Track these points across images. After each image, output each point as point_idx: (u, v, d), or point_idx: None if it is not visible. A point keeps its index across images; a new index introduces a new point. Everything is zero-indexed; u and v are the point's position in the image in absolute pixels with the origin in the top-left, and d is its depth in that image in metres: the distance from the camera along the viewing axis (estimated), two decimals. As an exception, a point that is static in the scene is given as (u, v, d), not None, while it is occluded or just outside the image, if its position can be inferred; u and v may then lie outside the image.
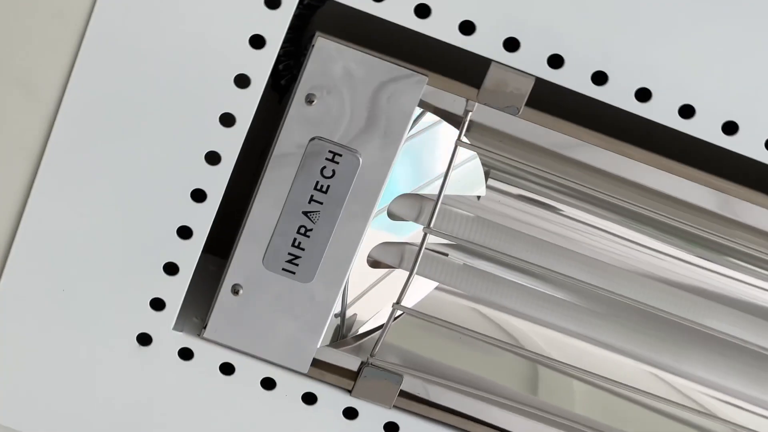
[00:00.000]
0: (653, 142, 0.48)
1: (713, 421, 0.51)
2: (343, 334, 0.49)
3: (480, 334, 0.47)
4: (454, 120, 0.46)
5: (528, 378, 0.51)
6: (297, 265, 0.47)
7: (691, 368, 0.51)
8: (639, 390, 0.49)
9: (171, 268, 0.47)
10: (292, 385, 0.48)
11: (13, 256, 0.47)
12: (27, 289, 0.48)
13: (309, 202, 0.46)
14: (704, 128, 0.44)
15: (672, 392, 0.51)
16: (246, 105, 0.45)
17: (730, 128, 0.44)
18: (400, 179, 0.47)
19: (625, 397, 0.51)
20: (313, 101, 0.45)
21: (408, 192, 0.47)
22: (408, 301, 0.47)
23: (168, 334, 0.48)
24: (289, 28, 0.44)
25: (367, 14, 0.43)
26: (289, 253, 0.47)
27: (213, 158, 0.46)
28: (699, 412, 0.51)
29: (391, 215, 0.47)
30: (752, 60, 0.43)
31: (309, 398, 0.48)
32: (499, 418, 0.49)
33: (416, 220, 0.47)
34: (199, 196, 0.46)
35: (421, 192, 0.47)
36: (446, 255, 0.48)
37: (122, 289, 0.48)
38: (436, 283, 0.48)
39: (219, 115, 0.45)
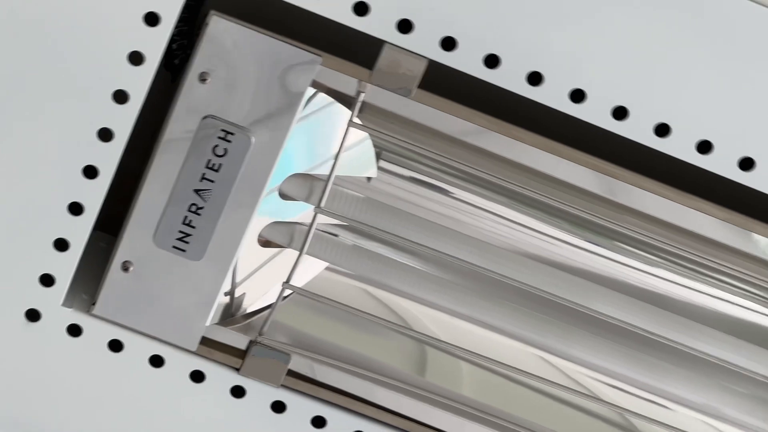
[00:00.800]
0: (548, 128, 0.49)
1: (597, 403, 0.53)
2: (232, 313, 0.49)
3: (369, 314, 0.48)
4: (347, 101, 0.47)
5: (416, 359, 0.52)
6: (187, 243, 0.47)
7: (576, 351, 0.52)
8: (525, 372, 0.50)
9: (61, 245, 0.47)
10: (180, 363, 0.48)
11: None
12: None
13: (200, 181, 0.46)
14: (594, 112, 0.46)
15: (557, 374, 0.53)
16: (139, 82, 0.45)
17: (620, 113, 0.46)
18: (292, 159, 0.48)
19: (512, 378, 0.52)
20: (206, 80, 0.45)
21: (300, 172, 0.48)
22: (297, 281, 0.48)
23: (57, 311, 0.48)
24: (185, 7, 0.45)
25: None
26: (180, 231, 0.47)
27: (105, 135, 0.46)
28: (583, 394, 0.52)
29: (283, 195, 0.48)
30: (642, 46, 0.45)
31: (197, 376, 0.49)
32: (386, 399, 0.50)
33: (307, 200, 0.48)
34: (90, 172, 0.46)
35: (313, 172, 0.48)
36: (336, 235, 0.49)
37: (11, 265, 0.48)
38: (326, 264, 0.49)
39: (112, 92, 0.45)
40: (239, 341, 0.49)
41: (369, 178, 0.49)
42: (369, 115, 0.47)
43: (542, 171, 0.49)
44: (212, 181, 0.46)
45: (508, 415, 0.51)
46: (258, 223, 0.48)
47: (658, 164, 0.50)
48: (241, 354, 0.48)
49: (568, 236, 0.52)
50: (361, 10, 0.44)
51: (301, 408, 0.49)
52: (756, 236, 0.51)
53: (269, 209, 0.48)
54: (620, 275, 0.53)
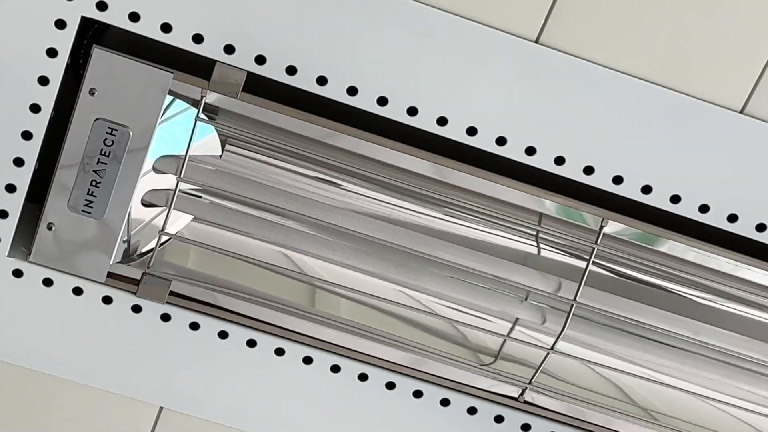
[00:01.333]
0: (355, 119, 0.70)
1: (436, 317, 0.75)
2: (129, 254, 0.70)
3: (220, 249, 0.70)
4: (195, 103, 0.67)
5: (262, 277, 0.73)
6: (92, 207, 0.68)
7: (426, 285, 0.74)
8: (387, 300, 0.72)
9: (3, 214, 0.68)
10: (94, 291, 0.70)
11: None
12: None
13: (97, 164, 0.67)
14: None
15: (414, 302, 0.75)
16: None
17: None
18: (161, 146, 0.68)
19: (377, 307, 0.74)
20: (94, 93, 0.65)
21: (167, 154, 0.68)
22: (171, 229, 0.69)
23: (4, 261, 0.69)
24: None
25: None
26: (86, 199, 0.67)
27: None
28: (429, 313, 0.75)
29: (156, 170, 0.69)
30: (416, 57, 0.66)
31: (106, 299, 0.70)
32: (243, 308, 0.72)
33: (174, 174, 0.68)
34: (18, 162, 0.66)
35: (176, 154, 0.69)
36: (199, 197, 0.70)
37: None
38: (191, 216, 0.70)
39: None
40: (135, 273, 0.70)
41: (218, 156, 0.70)
42: (211, 112, 0.68)
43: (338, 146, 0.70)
44: (105, 164, 0.67)
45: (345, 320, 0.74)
46: (141, 190, 0.69)
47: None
48: (137, 282, 0.70)
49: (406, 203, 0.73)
50: (198, 39, 0.64)
51: (182, 317, 0.71)
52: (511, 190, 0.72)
53: (147, 180, 0.69)
54: (445, 228, 0.75)
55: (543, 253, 0.73)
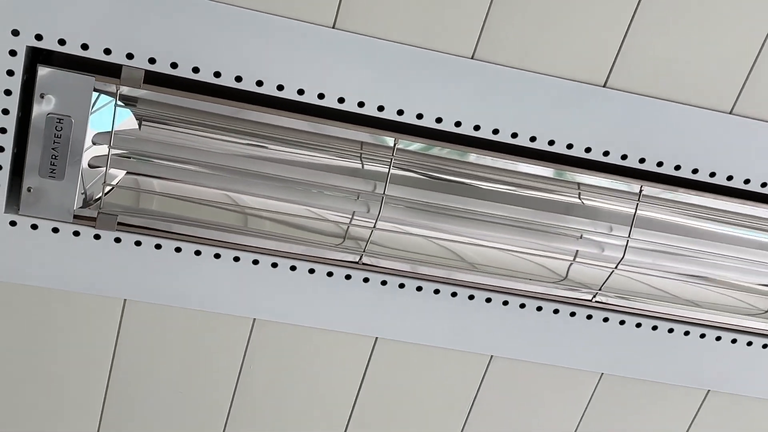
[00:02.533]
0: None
1: (301, 218, 1.10)
2: (87, 201, 1.04)
3: (146, 190, 1.03)
4: (113, 95, 0.99)
5: (189, 209, 1.08)
6: (55, 173, 1.00)
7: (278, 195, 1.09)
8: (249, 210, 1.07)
9: (-4, 184, 1.00)
10: (66, 229, 1.03)
11: None
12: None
13: (53, 143, 0.99)
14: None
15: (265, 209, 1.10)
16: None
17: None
18: (96, 126, 1.01)
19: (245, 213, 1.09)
20: (44, 96, 0.97)
21: (101, 131, 1.01)
22: (113, 181, 1.03)
23: (2, 216, 1.02)
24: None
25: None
26: (50, 167, 1.00)
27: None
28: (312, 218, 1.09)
29: (94, 143, 1.01)
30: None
31: (75, 233, 1.03)
32: (186, 230, 1.06)
33: (107, 144, 1.01)
34: (1, 149, 0.99)
35: (107, 131, 1.01)
36: (130, 158, 1.03)
37: (-26, 199, 1.01)
38: (125, 171, 1.03)
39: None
40: (92, 213, 1.04)
41: (137, 129, 1.02)
42: (130, 101, 1.01)
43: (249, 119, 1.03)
44: (59, 143, 0.99)
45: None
46: (87, 157, 1.01)
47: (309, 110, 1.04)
48: (94, 219, 1.03)
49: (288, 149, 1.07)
50: (107, 52, 0.96)
51: (130, 239, 1.05)
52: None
53: (90, 151, 1.01)
54: (301, 159, 1.08)
55: (366, 167, 1.08)
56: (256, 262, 1.08)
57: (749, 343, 1.26)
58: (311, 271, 1.09)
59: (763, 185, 1.14)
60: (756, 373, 1.29)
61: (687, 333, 1.23)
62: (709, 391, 1.31)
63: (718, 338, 1.24)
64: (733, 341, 1.25)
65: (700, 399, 1.32)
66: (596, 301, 1.19)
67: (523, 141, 1.06)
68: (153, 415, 1.20)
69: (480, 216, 1.10)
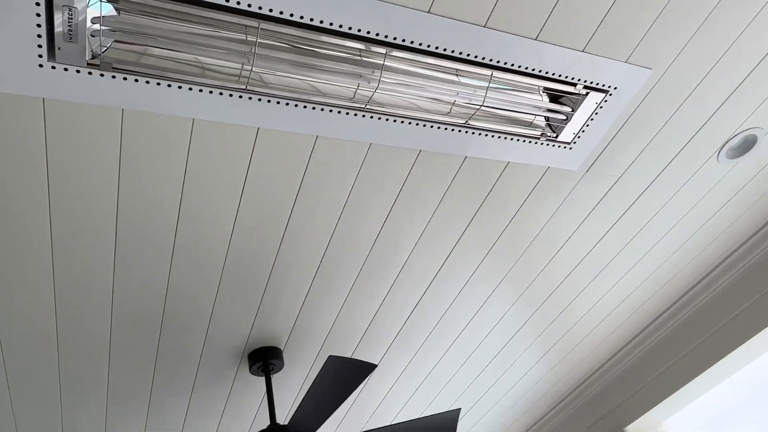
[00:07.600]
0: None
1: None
2: (94, 55, 1.73)
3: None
4: (99, -7, 1.64)
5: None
6: (72, 38, 1.69)
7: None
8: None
9: (40, 46, 1.70)
10: (83, 71, 1.74)
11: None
12: None
13: (68, 21, 1.66)
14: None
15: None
16: None
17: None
18: (93, 14, 1.66)
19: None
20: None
21: (95, 15, 1.67)
22: (108, 45, 1.71)
23: (47, 62, 1.73)
24: None
25: None
26: (69, 35, 1.69)
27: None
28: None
29: (92, 22, 1.68)
30: None
31: (89, 73, 1.75)
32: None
33: (98, 23, 1.67)
34: (38, 25, 1.67)
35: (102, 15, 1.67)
36: (115, 31, 1.70)
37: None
38: (113, 38, 1.71)
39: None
40: (97, 62, 1.73)
41: (117, 15, 1.67)
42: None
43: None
44: (71, 21, 1.66)
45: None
46: (89, 30, 1.69)
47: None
48: (98, 65, 1.74)
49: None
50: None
51: (121, 75, 1.76)
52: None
53: (89, 27, 1.68)
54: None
55: (249, 38, 1.73)
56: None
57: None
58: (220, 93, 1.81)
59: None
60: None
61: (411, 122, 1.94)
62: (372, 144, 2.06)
63: (424, 125, 1.95)
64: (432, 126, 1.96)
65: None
66: (368, 108, 1.91)
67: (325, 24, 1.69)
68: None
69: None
